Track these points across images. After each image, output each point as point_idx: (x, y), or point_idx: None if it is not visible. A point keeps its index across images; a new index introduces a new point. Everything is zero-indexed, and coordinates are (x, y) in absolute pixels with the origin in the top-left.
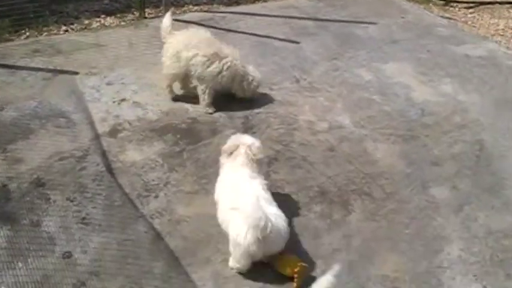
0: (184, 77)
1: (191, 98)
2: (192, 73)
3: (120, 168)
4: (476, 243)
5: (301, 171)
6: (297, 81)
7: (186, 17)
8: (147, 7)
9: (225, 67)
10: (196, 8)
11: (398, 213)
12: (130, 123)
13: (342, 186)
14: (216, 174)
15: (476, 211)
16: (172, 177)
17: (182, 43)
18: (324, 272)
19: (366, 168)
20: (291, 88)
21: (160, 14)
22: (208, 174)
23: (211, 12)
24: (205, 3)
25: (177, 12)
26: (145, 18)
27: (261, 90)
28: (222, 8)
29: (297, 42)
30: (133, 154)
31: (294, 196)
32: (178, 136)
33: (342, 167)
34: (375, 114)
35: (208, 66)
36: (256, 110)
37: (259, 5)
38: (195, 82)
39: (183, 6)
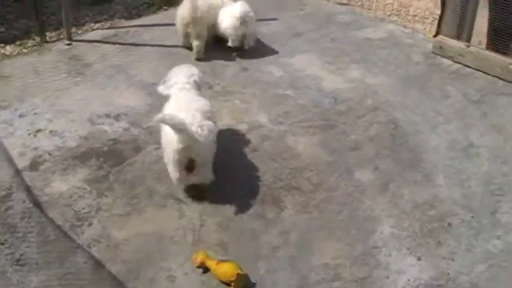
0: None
1: (112, 117)
2: None
3: (48, 201)
4: (405, 218)
5: (229, 175)
6: (210, 87)
7: (89, 36)
8: (47, 31)
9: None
10: (97, 25)
11: (329, 202)
12: (50, 154)
13: (270, 184)
14: (145, 192)
15: (400, 188)
16: (102, 202)
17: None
18: (267, 272)
19: (290, 163)
20: (205, 95)
21: (61, 37)
22: (137, 193)
23: (113, 28)
24: (106, 20)
25: (79, 32)
26: (47, 42)
27: None
28: (124, 23)
29: None
30: (59, 185)
31: (225, 202)
32: (101, 160)
33: (267, 165)
34: (291, 109)
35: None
36: None
37: (161, 14)
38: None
39: (83, 25)
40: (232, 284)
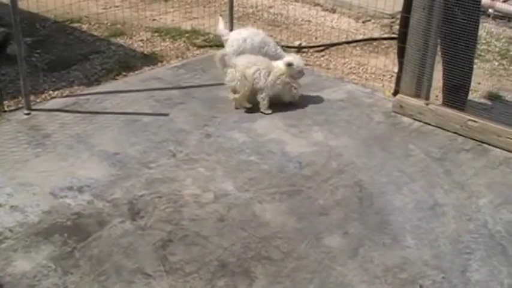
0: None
1: (75, 190)
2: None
3: (11, 282)
4: (377, 283)
5: (197, 247)
6: (174, 155)
7: (48, 105)
8: (5, 100)
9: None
10: (56, 92)
11: (299, 271)
12: (11, 231)
13: (240, 255)
14: (112, 268)
15: (370, 252)
16: (68, 281)
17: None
18: None
19: (259, 232)
20: (169, 164)
21: (20, 105)
22: (105, 270)
23: (73, 96)
24: (64, 87)
25: (38, 100)
26: (5, 111)
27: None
28: (84, 90)
29: (166, 115)
30: (22, 264)
31: (195, 275)
32: (65, 235)
33: (235, 235)
34: (256, 175)
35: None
36: (139, 193)
37: (121, 80)
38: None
39: (42, 93)
40: None
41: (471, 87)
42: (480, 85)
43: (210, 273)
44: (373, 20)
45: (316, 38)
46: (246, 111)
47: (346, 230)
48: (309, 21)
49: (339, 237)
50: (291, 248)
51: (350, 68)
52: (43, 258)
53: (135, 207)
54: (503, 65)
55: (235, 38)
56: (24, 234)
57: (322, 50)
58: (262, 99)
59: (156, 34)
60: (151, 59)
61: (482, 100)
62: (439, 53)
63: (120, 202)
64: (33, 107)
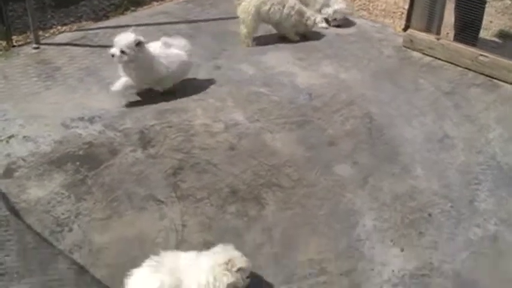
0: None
1: (86, 120)
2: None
3: (26, 208)
4: (386, 210)
5: (208, 175)
6: (184, 87)
7: (57, 39)
8: (13, 35)
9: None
10: (64, 28)
11: (310, 198)
12: (24, 160)
13: (250, 182)
14: (125, 195)
15: (379, 181)
16: (82, 207)
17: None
18: (253, 269)
19: (269, 160)
20: (179, 94)
21: (29, 40)
22: (117, 196)
23: (81, 30)
24: (72, 22)
25: (46, 35)
26: (14, 46)
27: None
28: (92, 25)
29: None
30: (35, 191)
31: (206, 201)
32: (77, 164)
33: (246, 163)
34: (266, 106)
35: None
36: (150, 123)
37: (129, 15)
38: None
39: (50, 28)
40: None
41: (483, 25)
42: (492, 23)
43: (221, 199)
44: None
45: None
46: (257, 44)
47: (355, 160)
48: None
49: (348, 167)
50: (300, 175)
51: (360, 5)
52: (56, 186)
53: (146, 137)
54: None
55: None
56: (36, 163)
57: None
58: (285, 29)
59: None
60: None
61: (494, 38)
62: None
63: (131, 132)
64: (42, 42)
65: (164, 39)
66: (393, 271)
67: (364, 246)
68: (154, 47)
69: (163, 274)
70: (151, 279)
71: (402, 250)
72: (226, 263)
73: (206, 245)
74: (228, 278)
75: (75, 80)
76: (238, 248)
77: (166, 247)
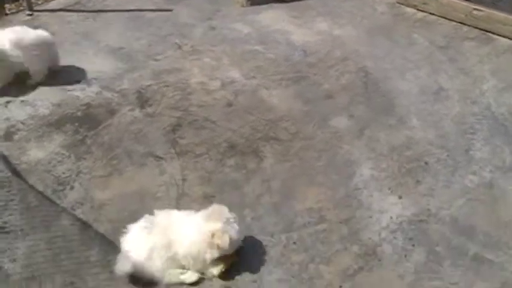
0: None
1: (81, 82)
2: None
3: (27, 169)
4: (383, 160)
5: (206, 131)
6: (179, 47)
7: (50, 5)
8: (6, 3)
9: None
10: None
11: (307, 150)
12: (23, 123)
13: (248, 137)
14: (124, 152)
15: (376, 132)
16: (82, 165)
17: None
18: (253, 219)
19: (266, 115)
20: (175, 55)
21: (21, 8)
22: (116, 154)
23: None
24: None
25: (39, 2)
26: (7, 14)
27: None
28: None
29: (170, 10)
30: (36, 152)
31: (205, 156)
32: (76, 124)
33: (243, 119)
34: (262, 63)
35: None
36: (147, 83)
37: None
38: None
39: None
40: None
41: None
42: None
43: (219, 153)
44: None
45: None
46: (251, 4)
47: (352, 113)
48: None
49: (345, 119)
50: (298, 129)
51: None
52: (56, 147)
53: (143, 96)
54: None
55: None
56: (35, 125)
57: None
58: None
59: None
60: None
61: None
62: None
63: (128, 92)
64: (35, 9)
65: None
66: (391, 218)
67: (362, 195)
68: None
69: (155, 235)
70: (145, 240)
71: (400, 198)
72: (211, 237)
73: (206, 198)
74: (211, 255)
75: (71, 44)
76: (237, 199)
77: (167, 201)
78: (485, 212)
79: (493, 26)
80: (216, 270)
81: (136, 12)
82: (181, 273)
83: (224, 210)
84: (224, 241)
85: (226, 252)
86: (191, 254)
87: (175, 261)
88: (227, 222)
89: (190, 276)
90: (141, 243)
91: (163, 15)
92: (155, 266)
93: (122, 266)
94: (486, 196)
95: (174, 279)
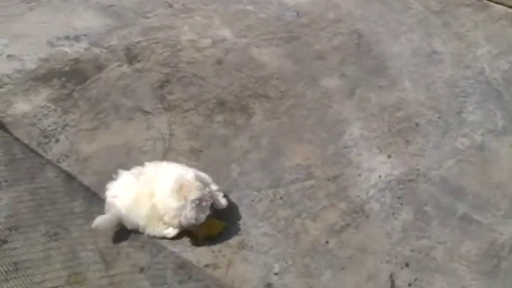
0: None
1: (71, 39)
2: None
3: (12, 122)
4: (373, 120)
5: (195, 87)
6: (170, 5)
7: None
8: None
9: None
10: None
11: (297, 108)
12: (9, 77)
13: (238, 93)
14: (111, 107)
15: (367, 92)
16: (68, 119)
17: None
18: (240, 174)
19: (256, 73)
20: (165, 13)
21: None
22: (103, 108)
23: None
24: None
25: None
26: None
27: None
28: None
29: None
30: (22, 106)
31: (193, 111)
32: (64, 79)
33: (233, 76)
34: (253, 23)
35: None
36: (136, 40)
37: None
38: None
39: None
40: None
41: None
42: None
43: (208, 109)
44: None
45: None
46: None
47: (343, 73)
48: None
49: (335, 79)
50: (288, 87)
51: None
52: (42, 100)
53: (132, 52)
54: None
55: None
56: (22, 79)
57: None
58: None
59: None
60: None
61: None
62: None
63: (117, 48)
64: None
65: None
66: (380, 177)
67: (351, 153)
68: None
69: (141, 184)
70: (131, 187)
71: (389, 157)
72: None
73: (193, 152)
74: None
75: (59, 1)
76: (225, 155)
77: (153, 155)
78: (475, 173)
79: None
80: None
81: None
82: (164, 228)
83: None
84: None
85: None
86: (165, 202)
87: (156, 211)
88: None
89: (171, 231)
90: (128, 191)
91: None
92: (139, 215)
93: (106, 212)
94: (477, 158)
95: (155, 232)
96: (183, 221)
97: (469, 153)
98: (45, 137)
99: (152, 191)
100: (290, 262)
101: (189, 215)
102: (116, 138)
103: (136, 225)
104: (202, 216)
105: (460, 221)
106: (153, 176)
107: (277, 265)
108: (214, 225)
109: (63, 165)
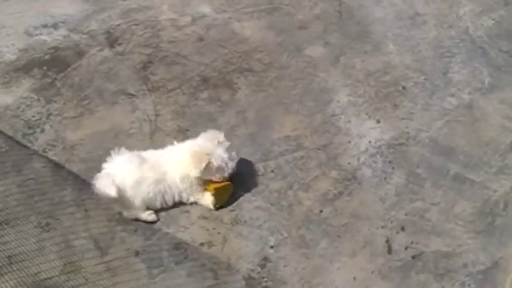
0: None
1: (50, 27)
2: None
3: None
4: (359, 86)
5: (178, 66)
6: None
7: None
8: None
9: None
10: None
11: (282, 79)
12: None
13: (221, 69)
14: (95, 92)
15: (351, 59)
16: (52, 108)
17: None
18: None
19: (239, 48)
20: None
21: None
22: (87, 94)
23: None
24: None
25: None
26: None
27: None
28: None
29: None
30: (3, 98)
31: (178, 90)
32: (44, 68)
33: (216, 52)
34: None
35: None
36: (115, 23)
37: None
38: None
39: None
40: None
41: None
42: None
43: (192, 87)
44: None
45: None
46: None
47: (326, 41)
48: None
49: (319, 47)
50: (272, 59)
51: None
52: (24, 91)
53: (112, 36)
54: None
55: None
56: (2, 71)
57: None
58: None
59: None
60: None
61: None
62: None
63: (96, 33)
64: None
65: None
66: (370, 142)
67: (340, 121)
68: None
69: (147, 170)
70: (134, 170)
71: (378, 122)
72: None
73: (180, 131)
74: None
75: None
76: None
77: (140, 137)
78: (465, 132)
79: None
80: (208, 200)
81: None
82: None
83: (217, 134)
84: (201, 161)
85: (210, 176)
86: (179, 175)
87: (166, 193)
88: (217, 145)
89: (149, 215)
90: (129, 171)
91: None
92: (138, 198)
93: (103, 185)
94: (466, 117)
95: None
96: (216, 162)
97: (457, 113)
98: (30, 127)
99: (163, 178)
100: (285, 234)
101: (223, 155)
102: (102, 124)
103: (132, 204)
104: (234, 155)
105: (452, 181)
106: (156, 164)
107: (272, 238)
108: (227, 187)
109: (50, 154)
